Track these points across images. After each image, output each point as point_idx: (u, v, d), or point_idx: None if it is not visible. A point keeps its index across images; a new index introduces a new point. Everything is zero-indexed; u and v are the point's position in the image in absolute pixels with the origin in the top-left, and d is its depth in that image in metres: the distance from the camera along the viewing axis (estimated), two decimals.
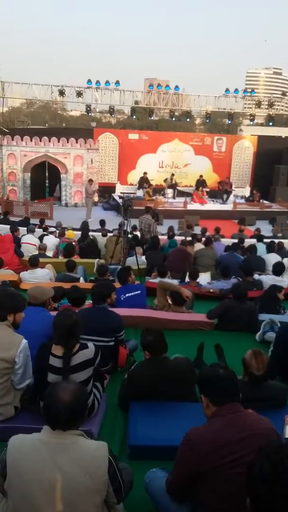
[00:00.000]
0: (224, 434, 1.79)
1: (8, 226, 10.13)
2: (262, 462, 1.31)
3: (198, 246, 8.54)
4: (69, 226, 11.47)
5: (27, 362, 2.72)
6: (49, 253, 8.60)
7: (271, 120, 21.56)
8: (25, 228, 9.80)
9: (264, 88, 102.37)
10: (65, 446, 1.63)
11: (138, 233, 10.68)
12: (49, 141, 17.31)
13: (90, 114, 21.36)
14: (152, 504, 2.09)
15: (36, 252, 8.09)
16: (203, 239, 8.94)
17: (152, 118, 23.25)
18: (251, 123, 22.88)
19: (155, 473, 2.12)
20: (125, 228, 7.25)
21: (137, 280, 5.85)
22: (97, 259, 7.89)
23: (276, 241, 9.37)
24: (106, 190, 19.08)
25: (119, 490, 1.71)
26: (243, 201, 19.02)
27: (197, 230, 12.11)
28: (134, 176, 19.65)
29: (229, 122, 22.76)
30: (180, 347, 3.68)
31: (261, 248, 8.26)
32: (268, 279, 5.90)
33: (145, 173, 18.57)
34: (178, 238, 9.85)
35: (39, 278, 5.98)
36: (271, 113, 21.18)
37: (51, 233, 10.48)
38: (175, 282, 5.86)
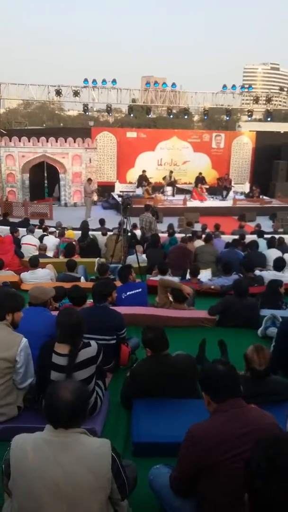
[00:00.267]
0: (226, 429, 1.80)
1: (8, 227, 10.13)
2: (259, 457, 1.31)
3: (198, 243, 8.53)
4: (69, 226, 11.47)
5: (28, 361, 2.73)
6: (50, 253, 8.61)
7: (269, 116, 21.49)
8: (25, 229, 9.80)
9: (262, 84, 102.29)
10: (67, 444, 1.64)
11: (138, 231, 10.70)
12: (47, 141, 17.30)
13: (87, 113, 21.30)
14: (156, 500, 2.10)
15: (37, 253, 8.10)
16: (203, 236, 8.93)
17: (149, 116, 23.20)
18: (249, 119, 22.88)
19: (158, 469, 2.13)
20: (125, 227, 7.25)
21: (138, 278, 5.85)
22: (98, 258, 7.89)
23: (277, 236, 9.36)
24: (105, 189, 19.07)
25: (123, 487, 1.71)
26: (242, 197, 19.00)
27: (197, 227, 12.11)
28: (133, 175, 19.64)
29: (227, 118, 22.64)
30: (182, 344, 3.70)
31: (261, 244, 8.25)
32: (269, 275, 5.90)
33: (144, 171, 18.55)
34: (178, 236, 9.84)
35: (40, 278, 5.99)
36: (269, 108, 21.11)
37: (51, 233, 10.48)
38: (176, 279, 5.87)
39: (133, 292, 4.83)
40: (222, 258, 7.22)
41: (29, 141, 17.17)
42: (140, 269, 6.57)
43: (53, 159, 17.57)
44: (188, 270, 6.44)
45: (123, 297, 4.73)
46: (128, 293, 4.80)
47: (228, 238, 9.98)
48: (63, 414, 1.65)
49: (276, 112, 23.08)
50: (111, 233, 9.64)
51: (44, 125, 38.54)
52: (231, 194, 18.74)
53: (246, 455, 1.74)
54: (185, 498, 1.92)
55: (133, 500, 1.97)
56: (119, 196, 8.48)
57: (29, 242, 8.85)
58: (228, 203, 17.89)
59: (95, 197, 18.31)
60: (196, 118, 42.49)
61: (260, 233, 9.65)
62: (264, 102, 21.05)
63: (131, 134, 20.12)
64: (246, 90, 20.97)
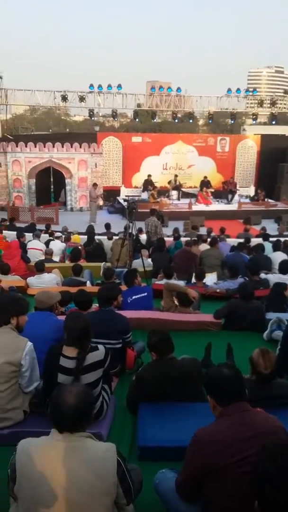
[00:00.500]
0: (232, 433, 1.80)
1: (15, 232, 10.21)
2: (266, 461, 1.31)
3: (204, 246, 8.53)
4: (74, 230, 11.53)
5: (34, 365, 2.75)
6: (56, 258, 8.65)
7: (274, 119, 21.49)
8: (31, 234, 9.87)
9: (266, 87, 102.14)
10: (73, 448, 1.64)
11: (144, 236, 10.72)
12: (53, 146, 17.43)
13: (93, 118, 21.45)
14: (162, 504, 2.09)
15: (43, 257, 8.15)
16: (209, 239, 8.93)
17: (155, 120, 23.30)
18: (254, 122, 22.83)
19: (164, 473, 2.12)
20: (130, 231, 7.28)
21: (144, 282, 5.86)
22: (103, 263, 7.92)
23: (282, 239, 9.34)
24: (111, 194, 19.14)
25: (128, 491, 1.71)
26: (248, 200, 18.97)
27: (203, 230, 12.11)
28: (138, 179, 19.70)
29: (232, 122, 22.73)
30: (188, 347, 3.69)
31: (267, 247, 8.23)
32: (274, 278, 5.88)
33: (149, 175, 18.60)
34: (184, 240, 9.85)
35: (46, 283, 6.02)
36: (273, 111, 21.11)
37: (57, 238, 10.54)
38: (181, 283, 5.87)
39: (138, 296, 4.84)
40: (227, 262, 7.21)
41: (35, 146, 17.32)
42: (145, 273, 6.59)
43: (59, 164, 17.69)
44: (194, 274, 6.44)
45: (128, 301, 4.74)
46: (133, 297, 4.81)
47: (233, 241, 9.96)
48: (68, 418, 1.65)
49: (281, 115, 23.05)
50: (117, 237, 9.67)
51: (50, 130, 38.84)
52: (236, 197, 18.73)
53: (252, 459, 1.74)
54: (191, 502, 1.92)
55: (139, 505, 1.97)
56: (125, 200, 8.51)
57: (35, 247, 8.90)
58: (233, 206, 17.88)
59: (101, 202, 18.39)
60: (201, 122, 42.55)
61: (265, 236, 9.64)
62: (269, 105, 21.06)
63: (137, 138, 20.20)
64: (250, 93, 21.01)
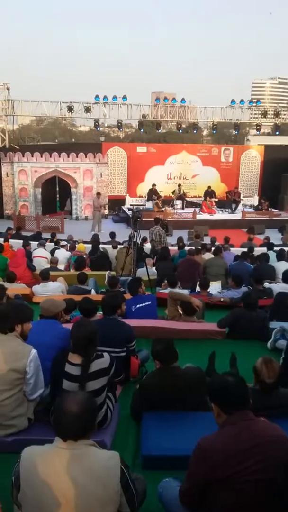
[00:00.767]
0: (235, 442, 1.80)
1: (21, 241, 10.29)
2: None
3: (208, 255, 8.56)
4: (80, 239, 11.60)
5: (38, 372, 2.76)
6: (61, 266, 8.70)
7: (278, 130, 21.60)
8: (37, 243, 9.94)
9: (270, 98, 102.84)
10: (77, 456, 1.64)
11: (148, 245, 10.77)
12: (59, 156, 17.61)
13: (98, 129, 21.66)
14: None
15: (48, 266, 8.20)
16: (213, 248, 8.96)
17: (159, 131, 23.52)
18: (258, 133, 22.99)
19: (168, 482, 2.12)
20: (135, 240, 7.33)
21: (148, 291, 5.88)
22: (108, 271, 7.95)
23: (286, 249, 9.33)
24: (116, 203, 19.26)
25: (132, 500, 1.71)
26: (251, 210, 19.00)
27: (207, 240, 12.13)
28: (143, 188, 19.81)
29: (236, 132, 22.87)
30: (192, 356, 3.70)
31: (271, 257, 8.23)
32: (278, 288, 5.88)
33: (153, 185, 18.72)
34: (188, 249, 9.87)
35: (51, 291, 6.05)
36: (277, 122, 21.24)
37: (63, 246, 10.60)
38: (185, 292, 5.88)
39: (143, 304, 4.85)
40: (231, 271, 7.22)
41: (41, 156, 17.51)
42: (150, 282, 6.61)
43: (65, 173, 17.85)
44: (198, 283, 6.45)
45: (133, 309, 4.75)
46: (138, 305, 4.82)
47: (237, 250, 9.98)
48: (72, 427, 1.65)
49: (284, 126, 23.17)
50: (122, 246, 9.72)
51: (56, 140, 39.23)
52: (240, 207, 18.77)
53: (255, 468, 1.75)
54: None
55: None
56: (129, 209, 8.58)
57: (41, 255, 8.96)
58: (237, 216, 17.91)
59: (106, 211, 18.51)
60: (205, 132, 42.77)
61: (269, 245, 9.64)
62: (272, 116, 21.21)
63: (141, 149, 20.36)
64: (254, 104, 21.16)
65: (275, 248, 9.32)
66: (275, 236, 14.03)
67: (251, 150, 21.47)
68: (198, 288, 6.38)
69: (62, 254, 9.34)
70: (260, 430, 1.86)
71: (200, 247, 9.49)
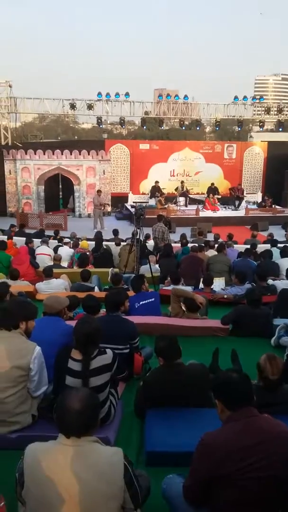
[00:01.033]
0: (239, 438, 1.80)
1: (24, 239, 10.31)
2: None
3: (211, 252, 8.54)
4: (83, 236, 11.61)
5: (42, 369, 2.76)
6: (64, 263, 8.71)
7: (281, 126, 21.50)
8: (39, 240, 9.96)
9: (273, 94, 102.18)
10: (80, 453, 1.64)
11: (151, 242, 10.76)
12: (62, 153, 17.61)
13: (101, 126, 21.65)
14: (170, 510, 2.08)
15: (51, 263, 8.21)
16: (216, 245, 8.94)
17: (162, 128, 23.46)
18: (261, 129, 22.88)
19: (172, 479, 2.12)
20: (138, 237, 7.32)
21: (151, 288, 5.88)
22: (111, 268, 7.95)
23: None
24: (119, 200, 19.26)
25: (136, 496, 1.71)
26: (255, 206, 18.95)
27: (210, 236, 12.11)
28: (146, 186, 19.79)
29: (239, 129, 22.78)
30: (195, 353, 3.69)
31: (275, 253, 8.21)
32: (282, 284, 5.86)
33: (156, 182, 18.69)
34: (191, 246, 9.86)
35: (55, 288, 6.06)
36: (280, 118, 21.13)
37: (66, 243, 10.61)
38: (188, 288, 5.87)
39: (146, 301, 4.85)
40: (235, 268, 7.21)
41: (44, 153, 17.51)
42: (153, 279, 6.60)
43: (67, 171, 17.85)
44: (201, 280, 6.44)
45: (136, 306, 4.75)
46: (141, 302, 4.82)
47: (240, 247, 9.95)
48: (74, 423, 1.65)
49: (287, 122, 23.05)
50: (125, 243, 9.72)
51: (59, 138, 39.23)
52: (243, 204, 18.72)
53: (259, 465, 1.75)
54: (198, 508, 1.91)
55: (146, 510, 1.97)
56: (132, 206, 8.57)
57: (44, 252, 8.98)
58: (240, 212, 17.87)
59: (109, 208, 18.50)
60: (208, 129, 42.67)
61: (273, 242, 9.60)
62: (276, 112, 21.10)
63: (144, 146, 20.32)
64: (257, 101, 21.06)
65: (279, 245, 9.29)
66: (278, 233, 13.98)
67: (254, 147, 21.39)
68: (201, 285, 6.37)
69: (65, 251, 9.35)
70: (264, 426, 1.85)
71: (203, 244, 9.48)
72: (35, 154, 17.44)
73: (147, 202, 17.96)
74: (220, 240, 10.77)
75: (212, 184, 19.07)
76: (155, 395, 2.90)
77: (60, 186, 19.39)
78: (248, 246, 9.45)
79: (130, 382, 3.56)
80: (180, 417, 2.79)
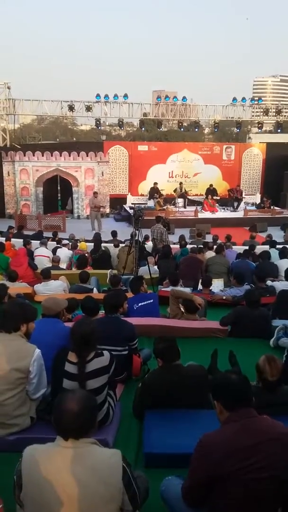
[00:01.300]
0: (238, 439, 1.79)
1: (22, 240, 10.29)
2: None
3: (210, 254, 8.54)
4: (81, 238, 11.60)
5: (41, 371, 2.75)
6: (63, 265, 8.71)
7: (280, 127, 21.59)
8: (38, 241, 9.95)
9: (272, 96, 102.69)
10: (79, 454, 1.64)
11: (150, 243, 10.76)
12: (60, 155, 17.62)
13: (99, 127, 21.68)
14: (168, 511, 2.09)
15: (50, 264, 8.21)
16: (215, 246, 8.95)
17: (161, 129, 23.53)
18: (260, 130, 22.95)
19: (170, 480, 2.12)
20: (136, 238, 7.32)
21: (150, 289, 5.88)
22: (110, 270, 7.95)
23: None
24: (117, 202, 19.27)
25: (134, 498, 1.70)
26: (253, 208, 18.97)
27: (209, 238, 12.12)
28: (144, 187, 19.80)
29: (238, 130, 22.85)
30: (194, 354, 3.69)
31: (274, 254, 8.22)
32: (281, 285, 5.86)
33: (155, 183, 18.70)
34: (190, 247, 9.86)
35: (53, 290, 6.05)
36: (279, 120, 21.22)
37: (64, 245, 10.61)
38: (187, 290, 5.87)
39: (144, 303, 4.85)
40: (233, 269, 7.21)
41: (42, 155, 17.52)
42: (151, 280, 6.61)
43: (66, 172, 17.86)
44: (200, 281, 6.44)
45: (135, 308, 4.75)
46: (139, 304, 4.82)
47: (239, 248, 9.96)
48: (72, 425, 1.65)
49: (286, 123, 23.15)
50: (123, 245, 9.72)
51: (58, 139, 39.24)
52: (242, 205, 18.74)
53: (258, 466, 1.74)
54: (197, 509, 1.91)
55: None
56: (131, 208, 8.58)
57: (43, 254, 8.97)
58: (239, 214, 17.89)
59: (108, 210, 18.50)
60: (206, 130, 42.73)
61: (272, 243, 9.61)
62: (274, 114, 21.18)
63: (143, 147, 20.34)
64: (256, 102, 21.12)
65: (278, 246, 9.29)
66: (277, 234, 14.00)
67: (253, 148, 21.43)
68: (200, 286, 6.37)
69: (64, 253, 9.34)
70: (263, 427, 1.85)
71: (202, 246, 9.48)
72: (33, 155, 17.45)
73: (146, 204, 17.97)
74: (218, 241, 10.77)
75: (211, 185, 19.10)
76: (153, 397, 2.90)
77: (59, 188, 19.40)
78: (247, 247, 9.45)
79: (128, 384, 3.55)
80: (179, 418, 2.79)
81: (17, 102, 19.21)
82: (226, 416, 1.91)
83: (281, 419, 1.98)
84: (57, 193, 19.55)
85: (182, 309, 4.94)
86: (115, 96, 19.16)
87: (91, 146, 19.60)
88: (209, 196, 18.50)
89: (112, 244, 10.10)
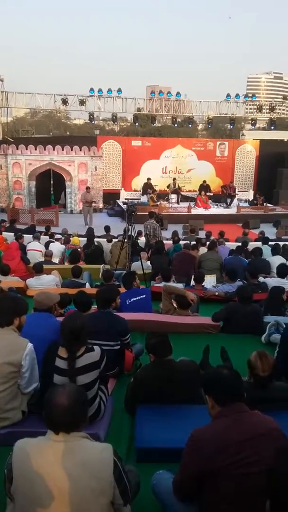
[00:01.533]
0: (228, 434, 1.80)
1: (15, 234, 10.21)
2: (285, 468, 1.27)
3: (203, 250, 8.56)
4: (74, 232, 11.54)
5: (33, 366, 2.75)
6: (55, 259, 8.66)
7: (273, 124, 21.63)
8: (31, 236, 9.88)
9: (265, 93, 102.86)
10: (69, 448, 1.64)
11: (143, 238, 10.75)
12: (53, 149, 17.48)
13: (93, 122, 21.53)
14: (159, 505, 2.09)
15: (42, 259, 8.16)
16: (207, 243, 8.96)
17: (154, 124, 23.43)
18: (253, 127, 22.97)
19: (161, 474, 2.13)
20: (129, 234, 7.31)
21: (142, 285, 5.88)
22: (103, 265, 7.94)
23: (281, 243, 9.37)
24: (111, 197, 19.19)
25: (125, 492, 1.71)
26: (246, 204, 19.03)
27: (202, 234, 12.14)
28: (138, 182, 19.75)
29: (231, 127, 22.82)
30: (186, 350, 3.70)
31: (266, 251, 8.26)
32: (273, 282, 5.89)
33: (148, 179, 18.66)
34: (183, 243, 9.87)
35: (45, 284, 6.03)
36: (272, 117, 21.26)
37: (57, 240, 10.55)
38: (180, 286, 5.88)
39: (137, 298, 4.85)
40: (226, 265, 7.23)
41: (35, 149, 17.36)
42: (144, 276, 6.60)
43: (59, 167, 17.73)
44: (193, 277, 6.46)
45: (127, 303, 4.75)
46: (132, 299, 4.82)
47: (232, 245, 9.99)
48: (62, 419, 1.65)
49: (279, 120, 23.24)
50: (116, 240, 9.70)
51: (51, 133, 38.93)
52: (235, 201, 18.78)
53: (248, 461, 1.75)
54: (188, 504, 1.92)
55: (136, 506, 1.97)
56: (124, 203, 8.55)
57: (35, 248, 8.91)
58: (232, 210, 17.93)
59: (101, 205, 18.42)
60: (200, 126, 42.71)
61: (264, 240, 9.66)
62: (268, 111, 21.22)
63: (136, 142, 20.26)
64: (249, 99, 21.12)
65: (270, 243, 9.34)
66: (269, 231, 14.08)
67: (246, 145, 21.46)
68: (192, 282, 6.39)
69: (57, 248, 9.29)
70: (254, 422, 1.86)
71: (195, 242, 9.50)
72: (26, 149, 17.29)
73: (139, 199, 17.93)
74: (211, 237, 10.80)
75: (204, 181, 19.11)
76: (145, 391, 2.90)
77: (52, 182, 19.26)
78: (240, 244, 9.49)
79: (121, 379, 3.56)
80: (171, 413, 2.80)
81: (10, 95, 18.99)
82: (218, 411, 1.91)
83: (272, 415, 1.99)
84: (50, 187, 19.41)
85: (175, 305, 4.95)
86: (109, 90, 19.03)
87: (85, 141, 19.46)
88: (203, 192, 18.51)
89: (105, 239, 10.07)
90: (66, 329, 2.64)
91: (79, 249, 8.65)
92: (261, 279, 6.26)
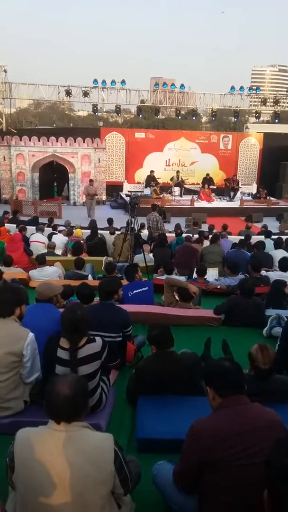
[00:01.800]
0: (229, 426, 1.81)
1: (19, 225, 10.22)
2: (283, 458, 1.28)
3: (205, 243, 8.55)
4: (77, 224, 11.55)
5: (35, 355, 2.76)
6: (58, 251, 8.68)
7: (277, 117, 21.43)
8: (34, 227, 9.89)
9: (270, 86, 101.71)
10: (71, 438, 1.65)
11: (146, 231, 10.74)
12: (57, 141, 17.41)
13: (96, 113, 21.42)
14: (160, 495, 2.11)
15: (45, 251, 8.18)
16: (210, 236, 8.95)
17: (158, 117, 23.26)
18: (257, 120, 22.76)
19: (162, 465, 2.14)
20: (132, 226, 7.30)
21: (145, 277, 5.88)
22: (105, 257, 7.94)
23: (284, 237, 9.33)
24: (114, 189, 19.14)
25: (125, 481, 1.72)
26: (250, 198, 18.93)
27: (204, 227, 12.12)
28: (141, 175, 19.67)
29: (235, 119, 22.65)
30: (188, 342, 3.71)
31: (268, 245, 8.24)
32: (275, 275, 5.88)
33: (152, 171, 18.57)
34: (185, 235, 9.86)
35: (48, 275, 6.04)
36: (277, 110, 21.06)
37: (60, 231, 10.56)
38: (182, 278, 5.89)
39: (139, 290, 4.86)
40: (228, 258, 7.22)
41: (39, 140, 17.30)
42: (147, 268, 6.61)
43: (62, 158, 17.67)
44: (195, 270, 6.46)
45: (129, 295, 4.76)
46: (134, 291, 4.82)
47: (235, 238, 9.97)
48: (64, 409, 1.66)
49: (284, 113, 22.99)
50: (119, 232, 9.69)
51: (54, 125, 38.73)
52: (238, 195, 18.69)
53: (248, 452, 1.76)
54: (188, 494, 1.93)
55: (137, 495, 1.99)
56: (127, 196, 8.53)
57: (38, 240, 8.93)
58: (235, 204, 17.85)
59: (104, 197, 18.38)
60: (204, 119, 42.41)
61: (267, 233, 9.63)
62: (272, 103, 21.02)
63: (140, 134, 20.15)
64: (254, 92, 20.91)
65: (273, 236, 9.31)
66: (272, 225, 14.03)
67: (250, 138, 21.29)
68: (195, 275, 6.39)
69: (59, 239, 9.30)
70: (255, 414, 1.87)
71: (198, 235, 9.48)
72: (29, 140, 17.23)
73: (142, 192, 17.87)
74: (214, 230, 10.77)
75: (207, 174, 19.00)
76: (147, 383, 2.92)
77: (55, 174, 19.21)
78: (242, 237, 9.47)
79: (122, 370, 3.58)
80: (172, 404, 2.82)
81: (13, 85, 18.86)
82: (218, 402, 1.92)
83: (272, 407, 2.00)
84: (53, 179, 19.37)
85: (177, 297, 4.95)
86: (113, 82, 18.88)
87: (88, 132, 19.37)
88: (206, 186, 18.42)
89: (108, 231, 10.07)
90: (66, 320, 2.65)
91: (82, 241, 8.66)
92: (263, 272, 6.25)
